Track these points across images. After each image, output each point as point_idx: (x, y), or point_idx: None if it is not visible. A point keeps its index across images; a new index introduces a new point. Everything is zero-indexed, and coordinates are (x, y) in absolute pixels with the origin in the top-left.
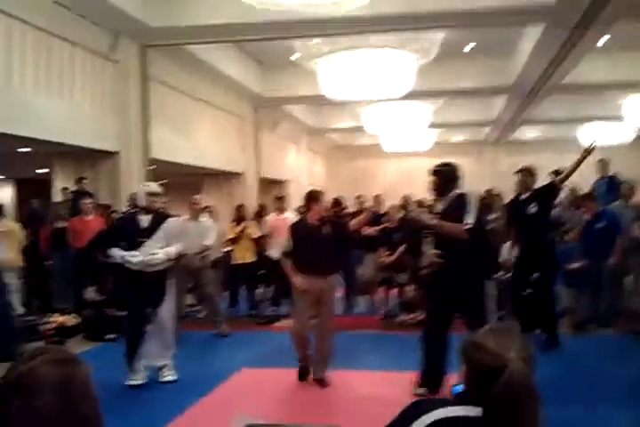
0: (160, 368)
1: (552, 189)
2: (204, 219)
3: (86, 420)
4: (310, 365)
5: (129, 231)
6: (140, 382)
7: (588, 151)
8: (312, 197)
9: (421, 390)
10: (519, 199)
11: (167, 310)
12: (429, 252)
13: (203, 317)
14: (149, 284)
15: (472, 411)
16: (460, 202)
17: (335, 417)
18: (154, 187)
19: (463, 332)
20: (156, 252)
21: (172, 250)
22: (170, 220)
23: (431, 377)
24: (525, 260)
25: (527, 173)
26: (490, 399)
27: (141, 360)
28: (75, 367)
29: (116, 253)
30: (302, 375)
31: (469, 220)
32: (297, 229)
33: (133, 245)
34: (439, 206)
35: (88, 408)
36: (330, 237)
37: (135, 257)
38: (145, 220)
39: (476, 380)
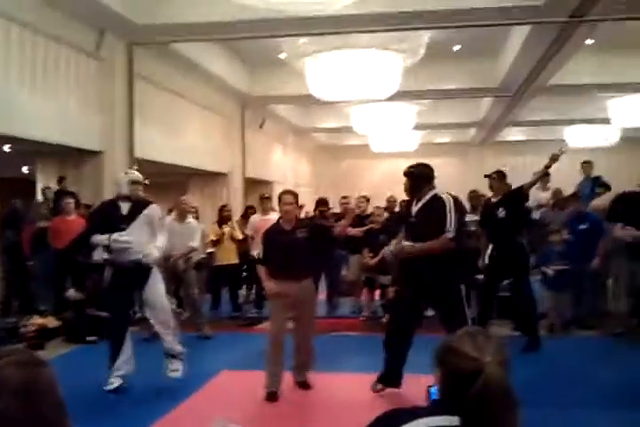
0: (172, 356)
1: (519, 193)
2: (191, 220)
3: (50, 423)
4: (279, 389)
5: (109, 218)
6: (114, 385)
7: (555, 157)
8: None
9: (379, 386)
10: (489, 203)
11: (156, 291)
12: (403, 243)
13: (185, 318)
14: (133, 281)
15: (449, 421)
16: (437, 205)
17: (317, 421)
18: (136, 175)
19: (435, 333)
20: (151, 252)
21: (160, 243)
22: (151, 206)
23: (391, 373)
24: (496, 263)
25: (496, 177)
26: (467, 404)
27: (120, 365)
28: (38, 370)
29: (100, 237)
30: (271, 398)
31: (451, 226)
32: (270, 234)
33: (113, 231)
34: (414, 208)
35: (51, 411)
36: (304, 242)
37: (122, 236)
38: (125, 207)
39: (452, 385)
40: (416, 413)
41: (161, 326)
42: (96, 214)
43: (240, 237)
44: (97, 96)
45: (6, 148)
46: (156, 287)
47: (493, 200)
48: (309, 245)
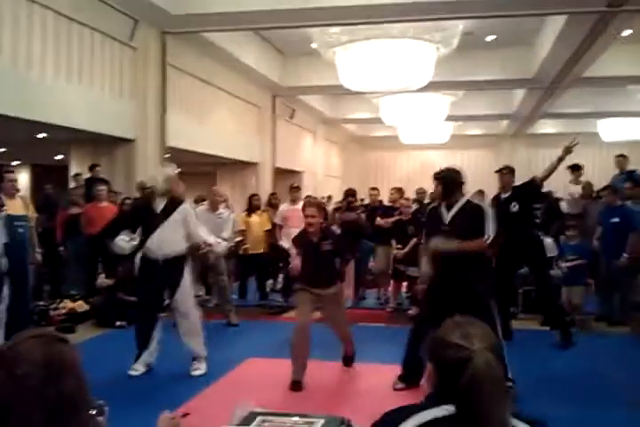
0: (193, 359)
1: (532, 186)
2: (222, 210)
3: (70, 398)
4: (303, 378)
5: (144, 215)
6: (139, 372)
7: (568, 149)
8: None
9: (400, 385)
10: (501, 199)
11: (185, 300)
12: (424, 268)
13: (213, 306)
14: (165, 271)
15: (446, 410)
16: (475, 213)
17: (341, 409)
18: (169, 170)
19: None
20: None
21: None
22: (183, 206)
23: (411, 372)
24: (509, 257)
25: (506, 172)
26: (459, 393)
27: (148, 350)
28: (60, 346)
29: (120, 242)
30: (294, 387)
31: (490, 232)
32: (298, 244)
33: (149, 228)
34: (446, 214)
35: (71, 387)
36: (330, 254)
37: (123, 240)
38: (159, 204)
39: (443, 375)
40: (409, 409)
41: (186, 334)
42: (131, 213)
43: (268, 226)
44: (130, 85)
45: (41, 135)
46: (186, 296)
47: (504, 196)
48: (335, 255)
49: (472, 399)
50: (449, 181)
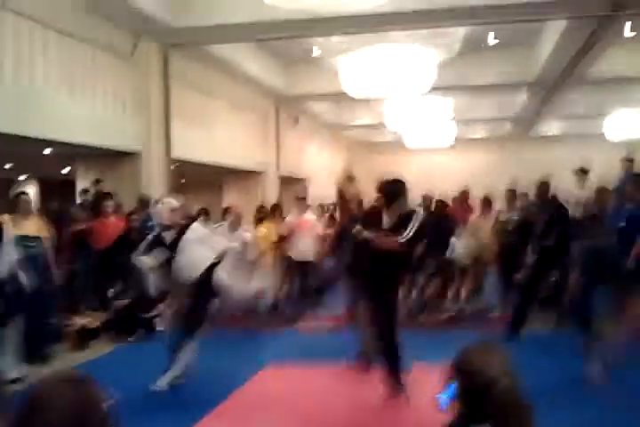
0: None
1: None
2: (241, 231)
3: None
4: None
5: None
6: (159, 388)
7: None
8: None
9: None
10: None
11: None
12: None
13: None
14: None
15: None
16: (407, 217)
17: (358, 419)
18: (174, 202)
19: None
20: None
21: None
22: (191, 228)
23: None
24: (541, 262)
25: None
26: (488, 414)
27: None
28: (85, 387)
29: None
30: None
31: (410, 233)
32: None
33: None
34: (387, 220)
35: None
36: None
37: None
38: (168, 236)
39: (471, 399)
40: None
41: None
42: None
43: (274, 238)
44: (133, 98)
45: (47, 151)
46: None
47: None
48: None
49: (501, 420)
50: (389, 193)
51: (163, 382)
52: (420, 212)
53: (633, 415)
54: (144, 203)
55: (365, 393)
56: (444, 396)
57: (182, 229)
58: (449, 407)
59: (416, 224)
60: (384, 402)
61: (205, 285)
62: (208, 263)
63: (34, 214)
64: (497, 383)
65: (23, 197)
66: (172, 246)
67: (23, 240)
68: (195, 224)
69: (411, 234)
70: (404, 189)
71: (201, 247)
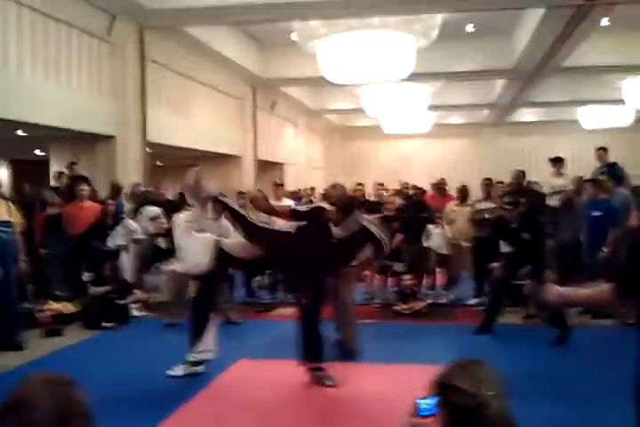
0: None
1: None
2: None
3: None
4: None
5: None
6: (176, 373)
7: None
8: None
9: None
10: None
11: None
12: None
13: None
14: None
15: None
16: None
17: (331, 412)
18: (152, 212)
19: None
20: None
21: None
22: (174, 221)
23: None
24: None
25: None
26: None
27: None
28: (70, 388)
29: None
30: None
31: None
32: None
33: None
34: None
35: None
36: None
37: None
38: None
39: (457, 422)
40: None
41: None
42: None
43: None
44: (109, 80)
45: (20, 132)
46: None
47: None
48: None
49: None
50: (345, 206)
51: (177, 370)
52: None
53: (603, 408)
54: (116, 189)
55: (342, 386)
56: (425, 404)
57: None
58: (428, 419)
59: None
60: (358, 395)
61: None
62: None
63: (2, 199)
64: (489, 406)
65: None
66: (171, 252)
67: None
68: (178, 216)
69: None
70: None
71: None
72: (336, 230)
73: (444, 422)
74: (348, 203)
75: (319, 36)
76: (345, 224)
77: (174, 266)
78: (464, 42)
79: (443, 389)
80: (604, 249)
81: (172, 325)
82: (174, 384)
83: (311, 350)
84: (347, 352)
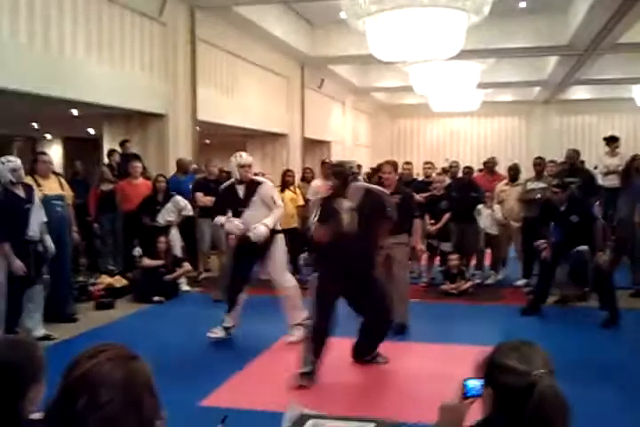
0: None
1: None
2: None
3: (148, 412)
4: None
5: (230, 202)
6: (216, 336)
7: None
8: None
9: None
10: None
11: (278, 269)
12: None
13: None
14: (257, 246)
15: None
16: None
17: (379, 389)
18: (244, 159)
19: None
20: (256, 226)
21: (269, 220)
22: (262, 187)
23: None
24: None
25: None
26: (526, 420)
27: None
28: (135, 364)
29: (219, 218)
30: None
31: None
32: None
33: (235, 214)
34: (346, 204)
35: (149, 406)
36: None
37: (232, 221)
38: (240, 190)
39: (506, 402)
40: None
41: (285, 303)
42: (219, 199)
43: (301, 202)
44: (160, 60)
45: (74, 111)
46: (279, 268)
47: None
48: (399, 208)
49: (540, 425)
50: (339, 176)
51: (216, 332)
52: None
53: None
54: (182, 167)
55: (389, 364)
56: (472, 384)
57: (252, 186)
58: (473, 398)
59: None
60: (405, 373)
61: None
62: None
63: (53, 174)
64: (539, 384)
65: (42, 157)
66: (243, 201)
67: (47, 199)
68: (266, 185)
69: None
70: (350, 171)
71: (263, 209)
72: (346, 203)
73: (490, 403)
74: (339, 171)
75: (368, 13)
76: (350, 194)
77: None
78: (516, 18)
79: (492, 368)
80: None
81: (220, 301)
82: (220, 358)
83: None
84: (398, 329)
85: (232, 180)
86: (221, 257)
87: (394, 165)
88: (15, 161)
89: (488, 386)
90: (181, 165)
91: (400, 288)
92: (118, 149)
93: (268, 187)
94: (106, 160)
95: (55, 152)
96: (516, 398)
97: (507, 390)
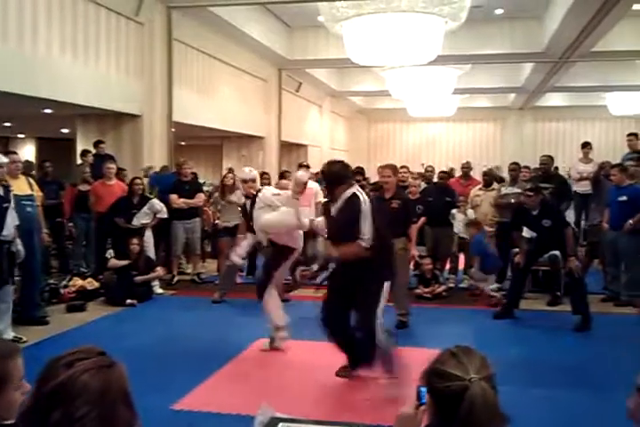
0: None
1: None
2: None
3: (123, 423)
4: None
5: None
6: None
7: None
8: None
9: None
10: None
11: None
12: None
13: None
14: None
15: None
16: (352, 207)
17: (356, 394)
18: (246, 173)
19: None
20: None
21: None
22: (259, 196)
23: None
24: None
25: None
26: (457, 424)
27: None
28: (112, 374)
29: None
30: None
31: (366, 232)
32: (373, 201)
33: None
34: (332, 207)
35: (125, 412)
36: (395, 210)
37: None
38: (248, 203)
39: (442, 407)
40: None
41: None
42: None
43: None
44: (136, 60)
45: (48, 110)
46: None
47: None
48: (398, 213)
49: None
50: (328, 175)
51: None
52: (366, 205)
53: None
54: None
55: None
56: (424, 391)
57: (252, 198)
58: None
59: (367, 220)
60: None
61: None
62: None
63: (22, 175)
64: (470, 389)
65: (12, 156)
66: (250, 213)
67: (17, 200)
68: (262, 193)
69: (368, 235)
70: (346, 171)
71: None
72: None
73: (431, 409)
74: (330, 175)
75: (346, 17)
76: (337, 197)
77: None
78: (493, 25)
79: (430, 375)
80: (630, 222)
81: (219, 302)
82: (192, 361)
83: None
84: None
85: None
86: (222, 260)
87: (393, 168)
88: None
89: (428, 393)
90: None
91: (399, 295)
92: (92, 149)
93: (264, 195)
94: (79, 161)
95: (28, 152)
96: (451, 404)
97: (442, 396)
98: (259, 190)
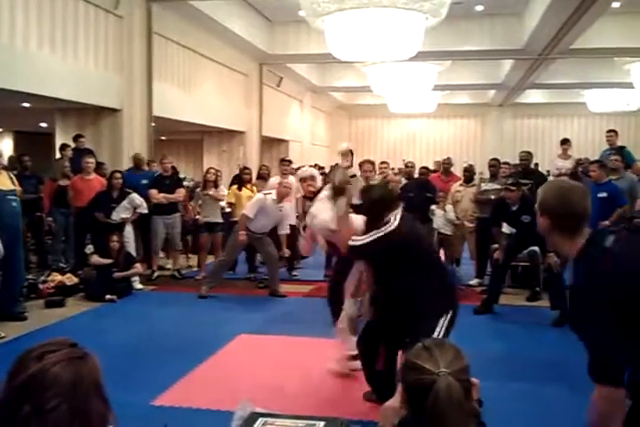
0: None
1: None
2: (285, 204)
3: (96, 415)
4: None
5: None
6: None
7: None
8: None
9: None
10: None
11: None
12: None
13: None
14: None
15: None
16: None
17: (336, 389)
18: (304, 172)
19: None
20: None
21: None
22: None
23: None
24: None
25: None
26: (424, 419)
27: None
28: (84, 365)
29: None
30: None
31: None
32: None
33: None
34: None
35: (97, 404)
36: None
37: None
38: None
39: (412, 400)
40: None
41: None
42: None
43: None
44: (115, 54)
45: (26, 104)
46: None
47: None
48: None
49: (435, 423)
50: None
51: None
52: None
53: None
54: (138, 163)
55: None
56: None
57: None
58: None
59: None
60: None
61: None
62: None
63: (3, 169)
64: (437, 383)
65: None
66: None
67: (3, 195)
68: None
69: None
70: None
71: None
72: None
73: (403, 403)
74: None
75: (327, 12)
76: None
77: None
78: (473, 21)
79: (404, 368)
80: (606, 222)
81: (204, 297)
82: (172, 357)
83: None
84: None
85: None
86: (203, 255)
87: (373, 164)
88: None
89: (402, 385)
90: (137, 161)
91: None
92: (72, 143)
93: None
94: (58, 155)
95: (6, 146)
96: (421, 397)
97: (413, 389)
98: (320, 189)
